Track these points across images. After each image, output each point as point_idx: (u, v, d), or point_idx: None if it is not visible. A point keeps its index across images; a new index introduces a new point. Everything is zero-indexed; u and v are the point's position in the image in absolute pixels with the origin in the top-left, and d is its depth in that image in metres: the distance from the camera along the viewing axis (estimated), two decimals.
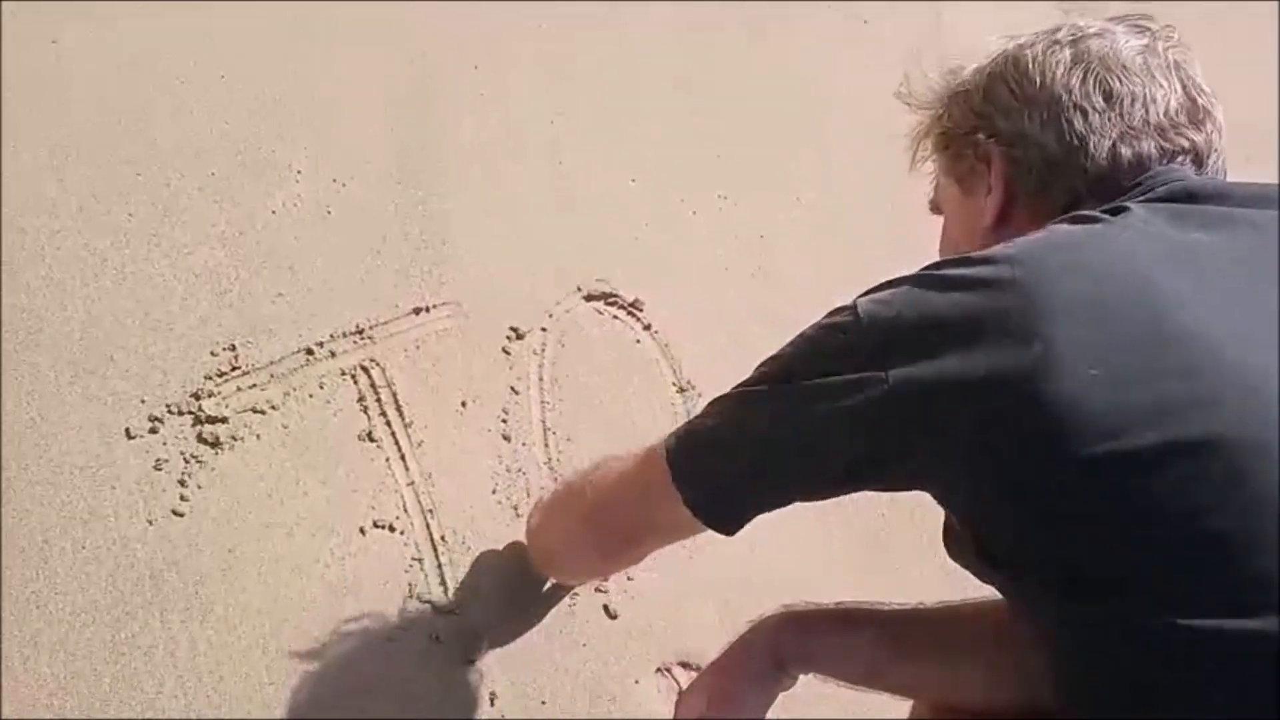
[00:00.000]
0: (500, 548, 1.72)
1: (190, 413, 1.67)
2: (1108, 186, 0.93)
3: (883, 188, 2.45)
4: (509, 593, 1.67)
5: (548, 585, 1.69)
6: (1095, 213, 0.88)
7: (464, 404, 1.83)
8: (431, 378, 1.84)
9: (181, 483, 1.62)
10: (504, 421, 1.85)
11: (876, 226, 2.38)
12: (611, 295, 2.06)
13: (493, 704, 1.61)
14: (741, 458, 1.01)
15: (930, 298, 0.86)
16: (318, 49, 2.14)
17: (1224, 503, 0.72)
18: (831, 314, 0.97)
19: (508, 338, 1.93)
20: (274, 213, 1.91)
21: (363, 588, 1.63)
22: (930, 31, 2.81)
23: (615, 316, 2.05)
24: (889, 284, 0.92)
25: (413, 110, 2.13)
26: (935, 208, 1.18)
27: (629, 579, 1.78)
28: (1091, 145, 0.94)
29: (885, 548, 1.96)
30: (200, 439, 1.66)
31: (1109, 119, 0.94)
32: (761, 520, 1.90)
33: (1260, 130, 2.84)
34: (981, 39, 2.64)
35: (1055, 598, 0.81)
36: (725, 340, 2.09)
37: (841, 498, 1.03)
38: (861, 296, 0.93)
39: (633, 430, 1.92)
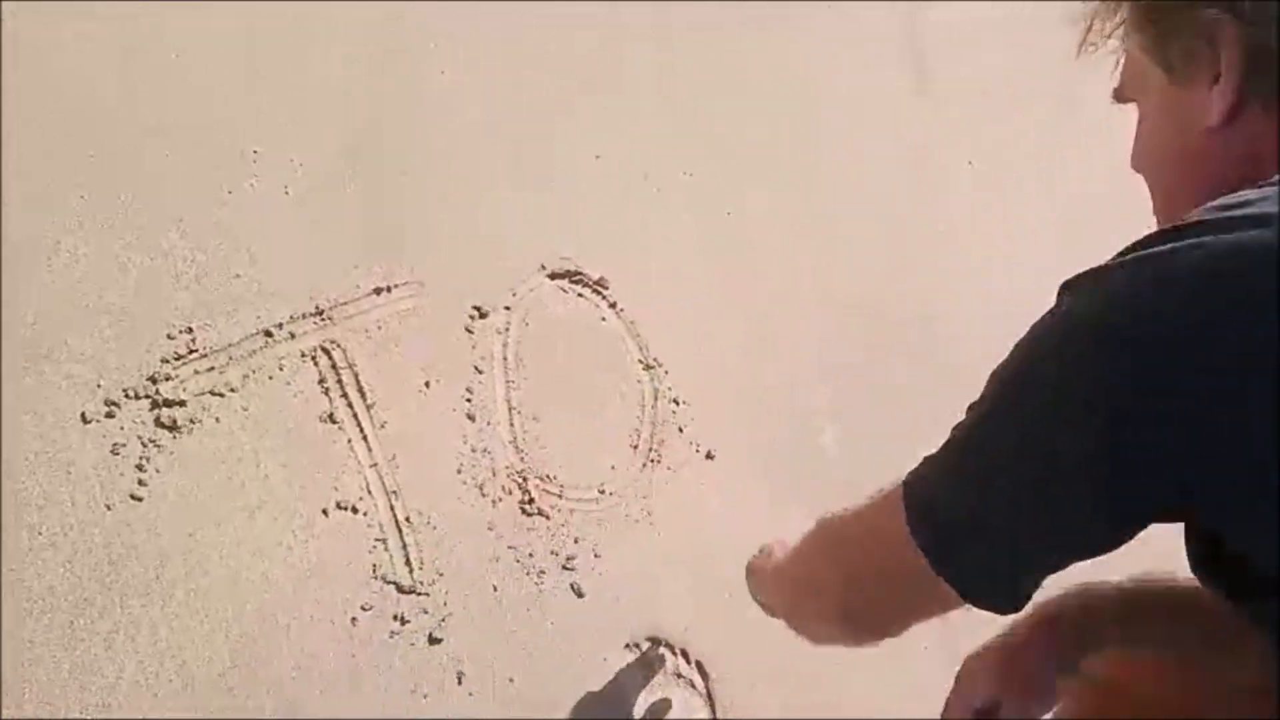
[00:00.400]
0: (463, 527, 1.72)
1: (147, 396, 1.66)
2: None
3: (849, 163, 2.46)
4: None
5: None
6: None
7: (427, 384, 1.83)
8: (394, 358, 1.83)
9: (139, 467, 1.61)
10: (468, 401, 1.84)
11: (842, 202, 2.39)
12: (576, 273, 2.05)
13: (460, 683, 1.61)
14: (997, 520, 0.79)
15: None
16: (274, 26, 2.11)
17: None
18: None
19: (470, 317, 1.92)
20: (230, 193, 1.89)
21: (326, 569, 1.63)
22: (901, 12, 2.81)
23: (580, 294, 2.05)
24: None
25: (371, 89, 2.11)
26: (1122, 95, 0.93)
27: (596, 556, 1.78)
28: None
29: None
30: (158, 423, 1.65)
31: None
32: (725, 495, 1.91)
33: None
34: (947, 13, 2.64)
35: None
36: (692, 317, 2.10)
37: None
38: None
39: (600, 409, 1.93)
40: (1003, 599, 0.81)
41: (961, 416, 0.81)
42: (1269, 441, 0.63)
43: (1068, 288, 0.74)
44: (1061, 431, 0.71)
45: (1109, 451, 0.69)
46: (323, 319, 1.83)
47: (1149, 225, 0.79)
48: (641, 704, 1.69)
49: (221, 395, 1.70)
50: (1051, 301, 0.75)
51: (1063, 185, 2.58)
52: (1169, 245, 0.68)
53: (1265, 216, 0.65)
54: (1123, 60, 0.91)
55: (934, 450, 0.82)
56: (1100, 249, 0.74)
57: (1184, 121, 0.82)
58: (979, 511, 0.79)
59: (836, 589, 0.99)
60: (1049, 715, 1.05)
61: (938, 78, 2.71)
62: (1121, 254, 0.72)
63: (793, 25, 2.63)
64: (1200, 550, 0.76)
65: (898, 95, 2.66)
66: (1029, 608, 0.87)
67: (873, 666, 1.84)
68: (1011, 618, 0.93)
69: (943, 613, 0.87)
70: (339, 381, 1.78)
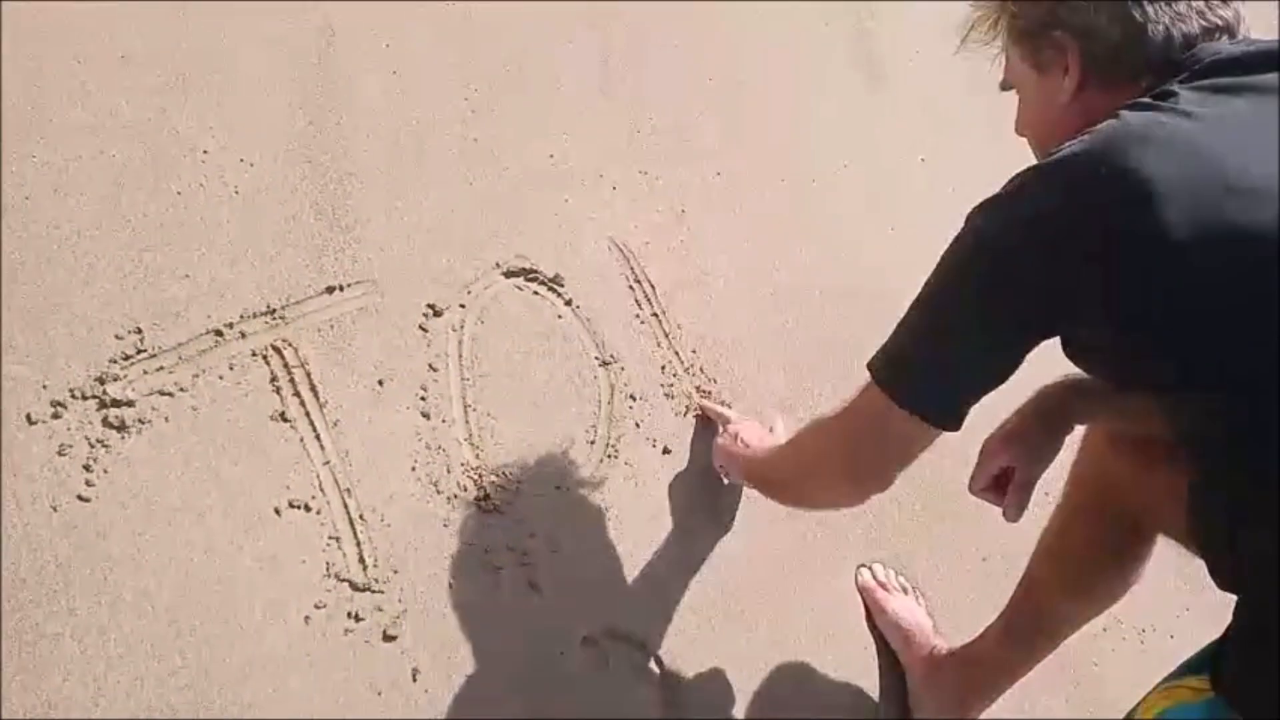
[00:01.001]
0: (417, 524, 1.73)
1: (95, 397, 1.66)
2: (1164, 63, 1.14)
3: (801, 160, 2.50)
4: None
5: None
6: (1149, 100, 1.08)
7: (381, 382, 1.84)
8: (346, 357, 1.84)
9: (87, 468, 1.60)
10: (423, 399, 1.85)
11: (795, 201, 2.43)
12: (531, 271, 2.07)
13: (415, 680, 1.61)
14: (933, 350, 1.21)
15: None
16: (223, 26, 2.12)
17: None
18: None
19: (425, 315, 1.93)
20: (179, 193, 1.89)
21: (279, 568, 1.63)
22: (846, 4, 2.86)
23: (536, 292, 2.06)
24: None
25: (322, 88, 2.12)
26: (1006, 85, 1.37)
27: (553, 551, 1.80)
28: (1149, 31, 1.14)
29: (807, 539, 2.00)
30: (106, 423, 1.64)
31: (1160, 8, 1.14)
32: (682, 490, 1.92)
33: None
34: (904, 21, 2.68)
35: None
36: (648, 314, 2.12)
37: None
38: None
39: (556, 405, 1.94)
40: (948, 418, 1.20)
41: None
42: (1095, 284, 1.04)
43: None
44: (968, 288, 1.14)
45: (998, 302, 1.11)
46: (274, 318, 1.83)
47: None
48: (598, 698, 1.70)
49: (171, 395, 1.70)
50: None
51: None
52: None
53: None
54: (1004, 62, 1.34)
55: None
56: None
57: (1048, 99, 1.25)
58: (922, 354, 1.21)
59: (839, 457, 1.36)
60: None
61: (888, 74, 2.76)
62: None
63: (744, 23, 2.67)
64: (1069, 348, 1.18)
65: (850, 92, 2.70)
66: (1031, 394, 1.46)
67: (832, 665, 1.87)
68: (1018, 406, 1.47)
69: (920, 448, 1.27)
70: (291, 380, 1.79)
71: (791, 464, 1.56)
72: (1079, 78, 1.20)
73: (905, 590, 1.99)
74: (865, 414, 1.28)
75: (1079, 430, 1.56)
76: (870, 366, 1.26)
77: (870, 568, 1.99)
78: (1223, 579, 1.11)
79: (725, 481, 1.92)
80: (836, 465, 1.38)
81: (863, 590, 1.96)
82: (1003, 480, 1.46)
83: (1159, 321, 1.02)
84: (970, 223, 1.15)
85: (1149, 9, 1.15)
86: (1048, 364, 1.26)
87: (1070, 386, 1.45)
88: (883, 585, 1.96)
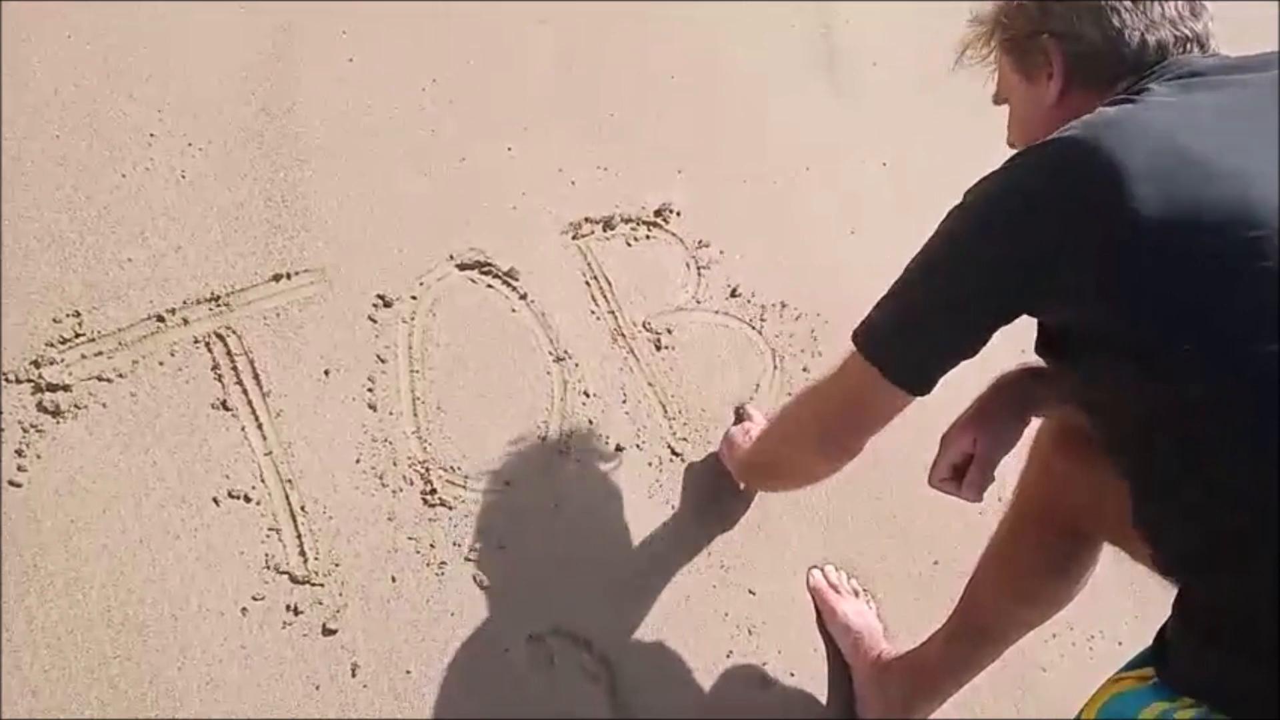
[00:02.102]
0: (361, 517, 1.72)
1: (29, 380, 1.64)
2: (1140, 67, 1.25)
3: (763, 164, 2.51)
4: None
5: None
6: (1124, 96, 1.19)
7: (326, 373, 1.83)
8: (293, 346, 1.83)
9: (19, 452, 1.59)
10: (370, 391, 1.85)
11: (755, 201, 2.44)
12: (486, 264, 2.07)
13: (354, 675, 1.61)
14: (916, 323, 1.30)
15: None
16: (177, 9, 2.11)
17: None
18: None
19: (374, 306, 1.93)
20: (124, 176, 1.88)
21: (216, 559, 1.61)
22: (812, 8, 2.89)
23: (490, 285, 2.06)
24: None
25: (275, 74, 2.11)
26: (999, 99, 1.48)
27: (500, 548, 1.79)
28: (1126, 35, 1.25)
29: (759, 540, 2.01)
30: (40, 407, 1.63)
31: (1136, 16, 1.25)
32: (633, 489, 1.93)
33: None
34: (862, 10, 2.71)
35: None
36: (604, 310, 2.12)
37: None
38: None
39: (507, 401, 1.94)
40: (925, 385, 1.29)
41: None
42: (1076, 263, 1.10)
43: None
44: (952, 260, 1.23)
45: (980, 274, 1.20)
46: (218, 305, 1.82)
47: None
48: (544, 696, 1.70)
49: (109, 381, 1.69)
50: None
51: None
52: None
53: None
54: (996, 76, 1.46)
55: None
56: None
57: (1036, 104, 1.36)
58: (905, 325, 1.29)
59: (811, 423, 1.50)
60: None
61: (852, 78, 2.79)
62: None
63: (707, 22, 2.69)
64: (1040, 337, 1.26)
65: (813, 95, 2.72)
66: (991, 381, 1.51)
67: (782, 667, 1.88)
68: (977, 395, 1.51)
69: (893, 416, 1.37)
70: (234, 368, 1.78)
71: (774, 436, 1.69)
72: (1063, 81, 1.31)
73: (856, 593, 2.00)
74: (847, 382, 1.39)
75: (1029, 434, 1.58)
76: (854, 337, 1.35)
77: (823, 569, 2.00)
78: (1163, 567, 1.17)
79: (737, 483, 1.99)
80: (813, 431, 1.50)
81: (814, 591, 1.97)
82: (963, 470, 1.49)
83: (1128, 297, 1.08)
84: (961, 200, 1.23)
85: (1126, 16, 1.26)
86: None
87: (1029, 372, 1.50)
88: (834, 587, 1.98)
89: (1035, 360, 1.34)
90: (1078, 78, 1.30)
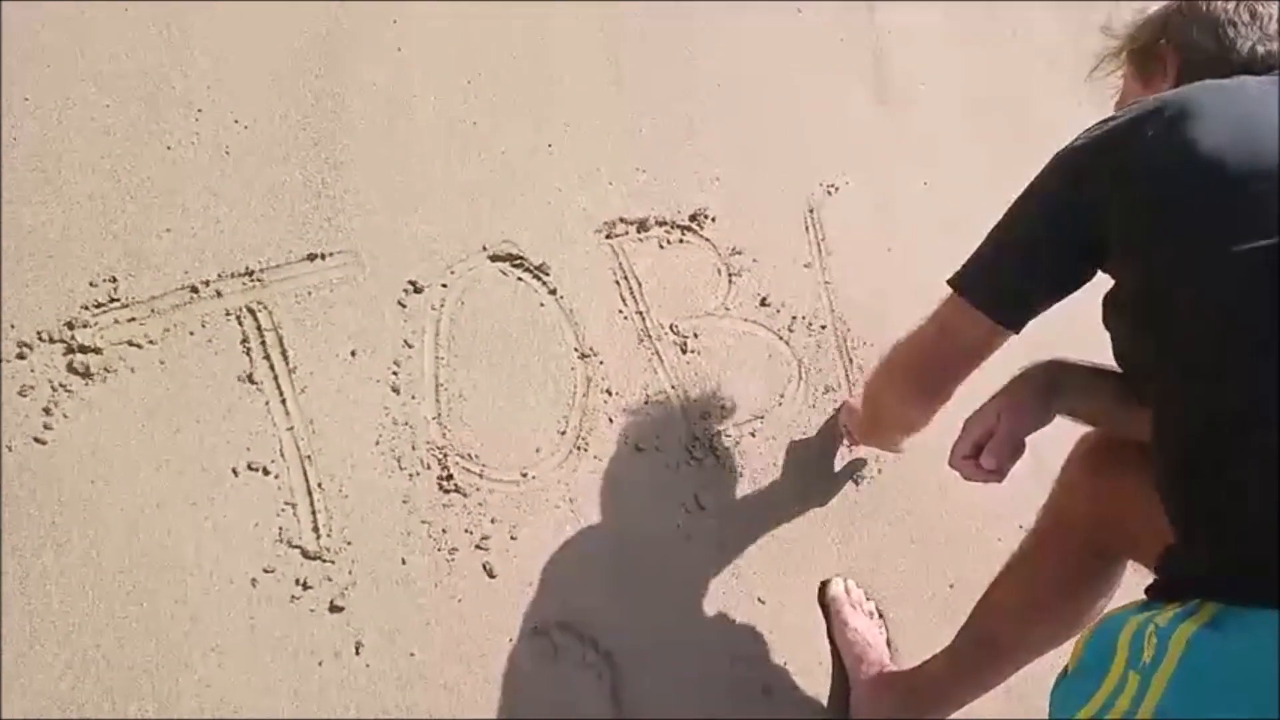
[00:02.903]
0: (376, 498, 1.74)
1: (62, 341, 1.67)
2: (1245, 74, 1.32)
3: (802, 176, 2.51)
4: None
5: None
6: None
7: (354, 353, 1.85)
8: (321, 325, 1.86)
9: (47, 411, 1.62)
10: (394, 374, 1.87)
11: (791, 213, 2.44)
12: (518, 257, 2.09)
13: (358, 653, 1.62)
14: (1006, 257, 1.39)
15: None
16: None
17: None
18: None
19: (405, 291, 1.95)
20: (169, 148, 1.91)
21: (230, 528, 1.64)
22: (862, 25, 2.89)
23: (520, 279, 2.08)
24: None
25: (326, 58, 2.14)
26: (1123, 106, 1.49)
27: (512, 538, 1.80)
28: (1238, 45, 1.36)
29: (774, 548, 2.00)
30: (70, 368, 1.66)
31: (1251, 29, 1.36)
32: (650, 490, 1.93)
33: None
34: (911, 30, 2.72)
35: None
36: (632, 310, 2.13)
37: None
38: None
39: (530, 393, 1.96)
40: (1014, 320, 1.38)
41: None
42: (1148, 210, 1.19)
43: None
44: (1039, 201, 1.34)
45: (1062, 215, 1.31)
46: (252, 280, 1.85)
47: None
48: (544, 690, 1.70)
49: (139, 346, 1.72)
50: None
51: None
52: None
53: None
54: (1121, 86, 1.57)
55: None
56: None
57: None
58: (996, 262, 1.39)
59: (906, 364, 1.59)
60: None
61: (899, 97, 2.78)
62: None
63: (758, 32, 2.69)
64: (1109, 296, 1.35)
65: (859, 111, 2.72)
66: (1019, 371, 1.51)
67: (786, 675, 1.87)
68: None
69: (984, 354, 1.46)
70: (262, 343, 1.80)
71: (874, 384, 1.79)
72: (1175, 84, 1.40)
73: (871, 615, 1.99)
74: (939, 318, 1.49)
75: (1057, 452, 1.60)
76: (950, 280, 1.45)
77: (845, 581, 2.00)
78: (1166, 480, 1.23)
79: (848, 447, 2.14)
80: (907, 372, 1.60)
81: (831, 600, 1.97)
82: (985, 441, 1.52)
83: (1182, 250, 1.16)
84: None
85: (1241, 29, 1.37)
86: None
87: (1058, 363, 1.53)
88: (851, 603, 1.97)
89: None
90: (1187, 82, 1.35)
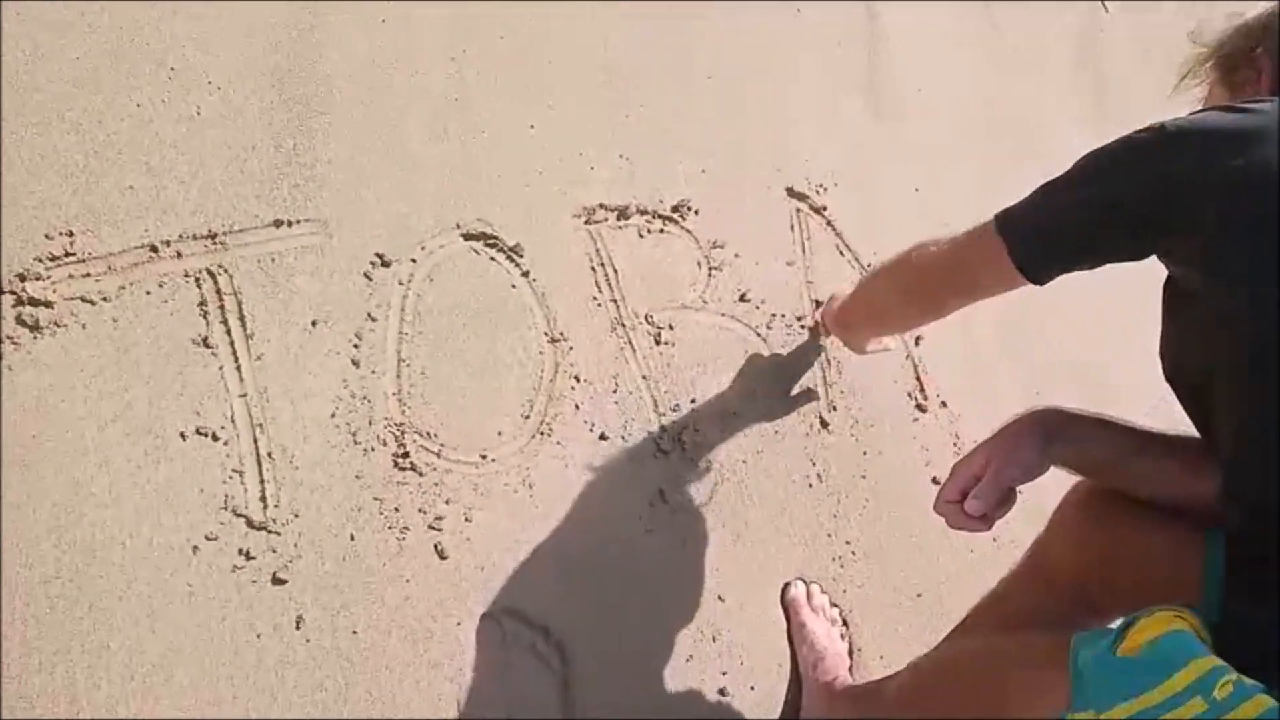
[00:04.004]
0: (328, 471, 1.70)
1: (12, 292, 1.64)
2: None
3: (790, 174, 2.49)
4: None
5: None
6: None
7: (314, 323, 1.82)
8: (283, 292, 1.83)
9: None
10: (355, 347, 1.84)
11: (775, 211, 2.42)
12: (492, 237, 2.06)
13: (298, 628, 1.59)
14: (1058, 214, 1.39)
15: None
16: None
17: None
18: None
19: (372, 264, 1.92)
20: (138, 105, 1.88)
21: (174, 493, 1.61)
22: (861, 28, 2.87)
23: (493, 259, 2.05)
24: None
25: (305, 24, 2.12)
26: None
27: (466, 520, 1.77)
28: None
29: (738, 548, 1.97)
30: (19, 320, 1.63)
31: None
32: (612, 479, 1.91)
33: None
34: (910, 34, 2.71)
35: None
36: (607, 298, 2.10)
37: None
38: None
39: (495, 375, 1.93)
40: (1032, 265, 1.41)
41: None
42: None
43: None
44: (1100, 173, 1.32)
45: (1120, 193, 1.28)
46: (214, 243, 1.82)
47: None
48: (491, 677, 1.67)
49: (93, 303, 1.69)
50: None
51: None
52: None
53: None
54: (1207, 95, 1.54)
55: None
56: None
57: None
58: (1038, 207, 1.41)
59: (921, 269, 1.66)
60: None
61: (893, 103, 2.77)
62: None
63: (756, 29, 2.68)
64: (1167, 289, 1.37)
65: (851, 114, 2.70)
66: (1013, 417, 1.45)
67: (741, 676, 1.84)
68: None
69: (990, 291, 1.55)
70: (220, 307, 1.77)
71: (882, 274, 1.85)
72: (1268, 91, 1.40)
73: (833, 621, 1.96)
74: (970, 246, 1.52)
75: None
76: (996, 217, 1.47)
77: (808, 585, 1.97)
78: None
79: (823, 338, 2.22)
80: (921, 278, 1.68)
81: (789, 603, 1.94)
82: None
83: (1243, 258, 1.17)
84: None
85: None
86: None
87: (1054, 411, 1.46)
88: (811, 606, 1.94)
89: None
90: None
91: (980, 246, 1.48)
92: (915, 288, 1.72)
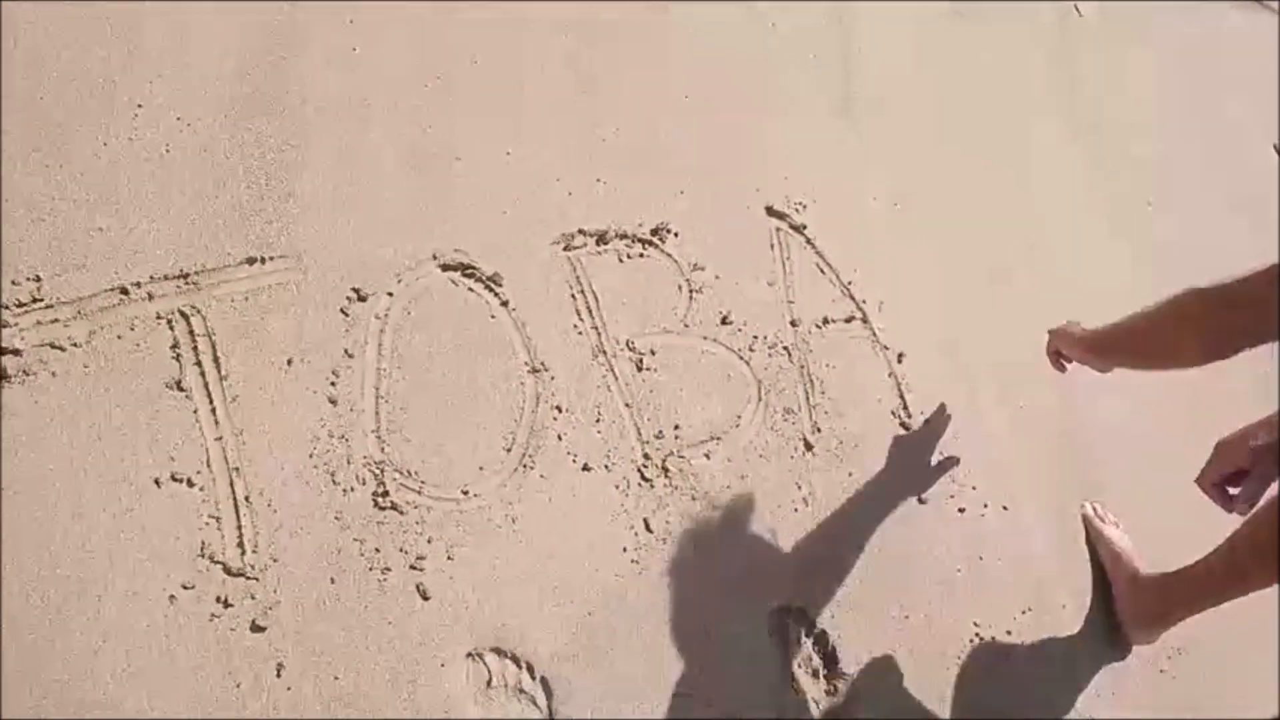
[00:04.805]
0: (306, 513, 1.68)
1: None
2: None
3: (766, 192, 2.48)
4: None
5: None
6: None
7: (290, 362, 1.81)
8: (258, 331, 1.81)
9: None
10: (333, 384, 1.82)
11: (753, 229, 2.41)
12: (469, 267, 2.04)
13: (279, 675, 1.57)
14: None
15: None
16: None
17: None
18: None
19: (348, 299, 1.90)
20: (105, 145, 1.87)
21: (149, 542, 1.59)
22: (835, 42, 2.87)
23: (471, 289, 2.03)
24: None
25: (275, 57, 2.10)
26: None
27: (449, 558, 1.75)
28: None
29: (722, 583, 1.96)
30: None
31: None
32: (596, 510, 1.89)
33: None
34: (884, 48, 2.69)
35: None
36: (588, 326, 2.09)
37: None
38: None
39: (476, 408, 1.91)
40: None
41: None
42: None
43: None
44: None
45: None
46: (186, 283, 1.80)
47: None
48: (477, 716, 1.65)
49: (62, 349, 1.67)
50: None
51: (990, 234, 2.63)
52: None
53: None
54: None
55: None
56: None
57: None
58: None
59: (1207, 312, 1.61)
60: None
61: (868, 114, 2.76)
62: None
63: (728, 46, 2.67)
64: None
65: (827, 128, 2.69)
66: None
67: (720, 703, 1.83)
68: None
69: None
70: (194, 349, 1.75)
71: (1163, 313, 1.76)
72: None
73: (1115, 524, 2.33)
74: (1252, 286, 1.52)
75: None
76: None
77: (1093, 503, 2.35)
78: None
79: (1064, 367, 2.15)
80: (1204, 322, 1.64)
81: (1085, 519, 2.33)
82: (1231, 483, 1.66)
83: None
84: None
85: None
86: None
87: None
88: (1100, 517, 2.32)
89: None
90: None
91: (1267, 287, 1.50)
92: (1202, 328, 1.67)
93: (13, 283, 1.69)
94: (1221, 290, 1.60)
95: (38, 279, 1.70)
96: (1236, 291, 1.57)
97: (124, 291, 1.75)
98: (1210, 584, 1.97)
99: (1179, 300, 1.72)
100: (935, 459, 2.29)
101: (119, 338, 1.71)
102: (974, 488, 2.26)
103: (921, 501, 2.20)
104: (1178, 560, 2.03)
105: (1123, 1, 3.46)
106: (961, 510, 2.21)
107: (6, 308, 1.66)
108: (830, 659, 1.97)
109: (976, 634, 2.06)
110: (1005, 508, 2.25)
